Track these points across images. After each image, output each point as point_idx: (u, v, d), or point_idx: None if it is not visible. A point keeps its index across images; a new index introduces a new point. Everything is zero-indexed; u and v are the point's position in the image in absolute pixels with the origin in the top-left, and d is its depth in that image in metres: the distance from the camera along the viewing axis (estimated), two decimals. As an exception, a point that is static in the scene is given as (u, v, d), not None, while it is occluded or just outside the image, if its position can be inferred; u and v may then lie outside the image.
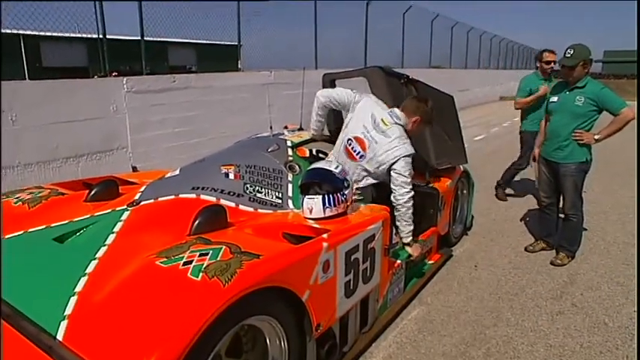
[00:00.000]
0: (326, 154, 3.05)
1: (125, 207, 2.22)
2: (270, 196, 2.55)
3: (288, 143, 2.93)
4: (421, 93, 3.44)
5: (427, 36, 15.54)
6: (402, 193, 2.72)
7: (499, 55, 23.63)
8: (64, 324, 1.47)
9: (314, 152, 3.10)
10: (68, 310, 1.52)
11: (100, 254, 1.84)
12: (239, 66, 8.68)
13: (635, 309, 3.01)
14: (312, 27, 9.65)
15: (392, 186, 2.75)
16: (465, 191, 4.23)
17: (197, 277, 1.57)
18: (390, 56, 13.48)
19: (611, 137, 3.47)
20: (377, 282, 2.45)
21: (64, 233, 2.02)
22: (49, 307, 1.56)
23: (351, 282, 2.17)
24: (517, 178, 5.59)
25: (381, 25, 12.65)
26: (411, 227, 2.83)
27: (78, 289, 1.62)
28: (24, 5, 5.28)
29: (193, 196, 2.34)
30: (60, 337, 1.43)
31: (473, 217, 4.51)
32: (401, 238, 2.86)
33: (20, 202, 2.41)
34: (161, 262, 1.68)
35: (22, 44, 12.69)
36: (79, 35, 6.31)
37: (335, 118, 3.25)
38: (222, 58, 11.27)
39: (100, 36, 5.84)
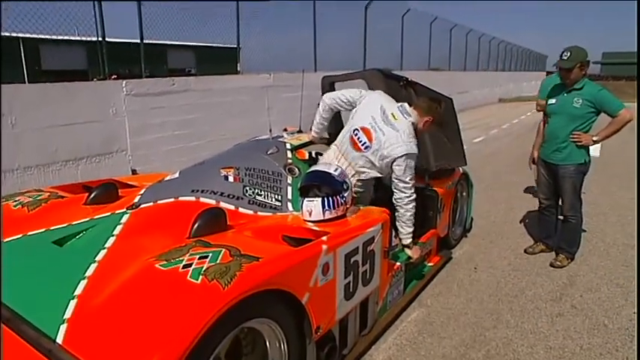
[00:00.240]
0: None
1: (125, 210, 2.22)
2: (270, 199, 2.55)
3: (288, 146, 2.93)
4: (420, 95, 3.45)
5: (426, 38, 15.59)
6: (402, 195, 2.72)
7: (498, 57, 23.71)
8: (63, 327, 1.46)
9: (313, 155, 3.11)
10: (68, 314, 1.52)
11: (99, 257, 1.83)
12: (238, 69, 8.69)
13: (635, 310, 3.01)
14: (312, 29, 9.67)
15: (393, 186, 2.74)
16: (464, 193, 4.24)
17: (197, 279, 1.57)
18: (389, 58, 13.53)
19: (609, 139, 3.48)
20: (376, 284, 2.45)
21: (64, 236, 2.02)
22: (49, 310, 1.55)
23: (351, 284, 2.17)
24: (516, 178, 5.59)
25: (380, 27, 12.69)
26: (411, 229, 2.82)
27: (77, 292, 1.62)
28: (23, 7, 5.29)
29: (193, 198, 2.35)
30: (59, 340, 1.43)
31: (472, 219, 4.51)
32: (400, 240, 2.86)
33: (20, 205, 2.41)
34: (161, 265, 1.68)
35: (21, 47, 12.70)
36: (79, 38, 6.31)
37: (335, 122, 3.26)
38: (221, 60, 11.30)
39: (100, 39, 5.85)
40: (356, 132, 2.79)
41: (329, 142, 3.24)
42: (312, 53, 9.78)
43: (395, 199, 2.76)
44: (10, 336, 1.50)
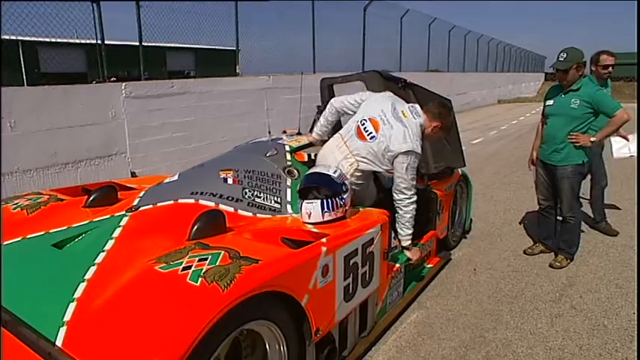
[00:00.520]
0: None
1: (124, 212, 2.22)
2: (269, 201, 2.56)
3: (287, 148, 2.93)
4: (419, 97, 3.46)
5: (425, 40, 15.63)
6: (403, 196, 2.72)
7: (496, 58, 23.75)
8: (63, 330, 1.47)
9: (312, 157, 3.11)
10: (67, 316, 1.52)
11: (99, 260, 1.83)
12: (237, 71, 8.70)
13: (635, 311, 3.01)
14: (310, 32, 9.69)
15: (394, 187, 2.74)
16: (463, 195, 4.24)
17: (196, 282, 1.57)
18: (388, 60, 13.55)
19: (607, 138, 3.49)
20: (376, 286, 2.46)
21: (63, 239, 2.02)
22: (48, 313, 1.55)
23: (350, 286, 2.18)
24: (515, 179, 5.60)
25: (379, 29, 12.71)
26: (411, 231, 2.82)
27: (77, 295, 1.62)
28: (22, 10, 5.29)
29: (192, 201, 2.35)
30: (59, 343, 1.43)
31: (472, 220, 4.52)
32: (400, 242, 2.86)
33: (19, 208, 2.41)
34: (160, 268, 1.69)
35: (20, 50, 12.70)
36: (78, 41, 6.31)
37: (335, 127, 3.26)
38: (220, 62, 11.30)
39: (99, 41, 5.85)
40: (363, 122, 2.80)
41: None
42: (311, 55, 9.80)
43: (395, 200, 2.76)
44: (9, 339, 1.50)
